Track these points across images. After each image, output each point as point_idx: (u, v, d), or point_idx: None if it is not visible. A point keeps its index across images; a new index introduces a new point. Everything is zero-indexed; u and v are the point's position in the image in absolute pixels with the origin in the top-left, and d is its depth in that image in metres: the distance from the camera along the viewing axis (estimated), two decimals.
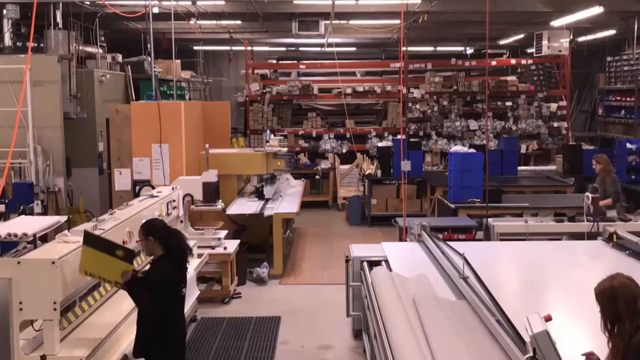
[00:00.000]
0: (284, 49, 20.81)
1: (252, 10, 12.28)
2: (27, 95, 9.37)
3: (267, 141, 10.73)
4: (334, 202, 15.06)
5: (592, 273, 5.59)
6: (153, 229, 4.64)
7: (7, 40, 10.98)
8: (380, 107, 17.03)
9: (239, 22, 14.76)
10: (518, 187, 11.89)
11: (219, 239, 8.33)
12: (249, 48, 17.62)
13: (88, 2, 11.50)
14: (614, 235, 6.53)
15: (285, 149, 10.99)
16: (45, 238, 5.45)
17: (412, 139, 14.23)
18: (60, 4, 11.14)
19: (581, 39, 17.11)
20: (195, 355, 6.61)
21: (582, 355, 3.29)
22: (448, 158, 10.97)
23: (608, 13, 12.32)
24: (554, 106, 16.43)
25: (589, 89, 20.38)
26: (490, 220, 7.91)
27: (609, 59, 17.95)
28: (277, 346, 6.86)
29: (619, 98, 17.50)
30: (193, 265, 7.04)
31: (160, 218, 5.74)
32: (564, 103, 16.49)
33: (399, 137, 12.86)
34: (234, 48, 19.63)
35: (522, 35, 17.36)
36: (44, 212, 9.22)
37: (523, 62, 17.38)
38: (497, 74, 18.47)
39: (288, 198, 10.79)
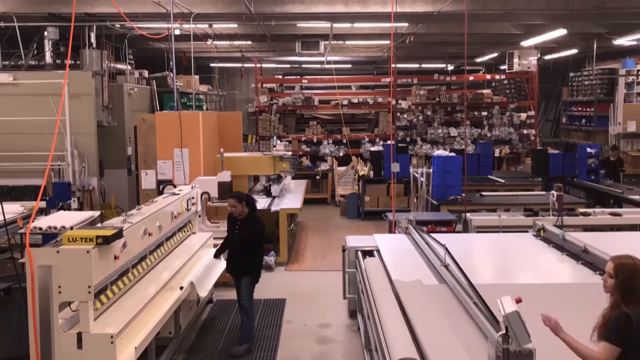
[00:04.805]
0: (288, 65, 20.82)
1: (261, 32, 12.29)
2: (65, 106, 9.41)
3: (274, 146, 10.74)
4: (332, 199, 15.04)
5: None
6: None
7: (48, 58, 11.00)
8: (373, 116, 17.01)
9: (249, 42, 14.77)
10: (492, 186, 11.86)
11: None
12: (258, 65, 17.63)
13: (118, 25, 11.51)
14: (541, 231, 6.51)
15: (289, 153, 10.99)
16: None
17: (400, 144, 14.19)
18: (94, 26, 11.18)
19: (547, 57, 17.12)
20: (212, 332, 6.61)
21: (542, 315, 3.27)
22: (431, 161, 10.95)
23: (571, 35, 12.33)
24: (523, 115, 16.42)
25: (554, 100, 20.37)
26: (468, 215, 7.90)
27: (571, 74, 17.94)
28: (283, 324, 6.86)
29: (580, 108, 17.50)
30: (209, 255, 7.04)
31: None
32: (532, 113, 16.48)
33: (388, 142, 12.86)
34: (245, 65, 19.63)
35: (496, 54, 17.38)
36: (80, 208, 9.23)
37: (497, 77, 17.36)
38: (474, 88, 18.49)
39: (292, 195, 10.79)
